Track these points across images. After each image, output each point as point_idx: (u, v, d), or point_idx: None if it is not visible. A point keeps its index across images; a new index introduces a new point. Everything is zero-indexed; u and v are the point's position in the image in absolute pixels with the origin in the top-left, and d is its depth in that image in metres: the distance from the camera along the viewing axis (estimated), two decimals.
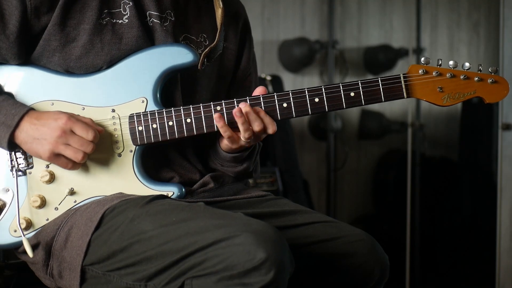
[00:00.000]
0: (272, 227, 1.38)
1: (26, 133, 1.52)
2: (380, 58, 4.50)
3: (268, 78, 3.59)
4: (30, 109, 1.55)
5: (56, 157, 1.53)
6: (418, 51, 4.38)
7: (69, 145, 1.51)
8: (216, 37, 1.66)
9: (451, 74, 1.58)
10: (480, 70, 1.58)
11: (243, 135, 1.58)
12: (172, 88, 1.65)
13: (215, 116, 1.57)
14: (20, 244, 1.61)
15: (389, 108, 4.72)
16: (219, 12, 1.69)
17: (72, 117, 1.52)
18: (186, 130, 1.59)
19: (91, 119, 1.56)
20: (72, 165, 1.55)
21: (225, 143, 1.64)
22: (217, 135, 1.66)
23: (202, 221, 1.41)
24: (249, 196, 1.73)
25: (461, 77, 1.58)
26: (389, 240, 4.14)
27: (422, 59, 1.58)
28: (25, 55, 1.61)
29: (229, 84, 1.80)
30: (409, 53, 4.34)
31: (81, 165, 1.57)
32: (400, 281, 4.04)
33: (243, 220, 1.40)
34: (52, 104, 1.60)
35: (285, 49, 4.30)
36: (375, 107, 4.65)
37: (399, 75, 1.58)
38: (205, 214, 1.45)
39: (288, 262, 1.36)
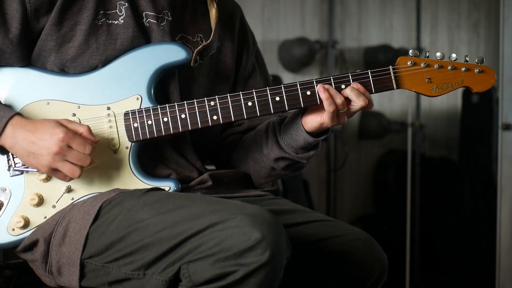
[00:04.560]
0: (267, 210, 1.39)
1: (20, 146, 1.51)
2: (380, 58, 4.50)
3: None
4: (15, 114, 1.53)
5: (53, 171, 1.53)
6: (418, 51, 4.37)
7: (66, 161, 1.51)
8: (211, 36, 1.68)
9: (438, 65, 1.61)
10: (467, 61, 1.62)
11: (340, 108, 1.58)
12: (170, 86, 1.66)
13: (319, 88, 1.57)
14: (18, 243, 1.61)
15: (389, 108, 4.72)
16: (213, 12, 1.71)
17: (69, 131, 1.51)
18: (181, 125, 1.59)
19: (89, 127, 1.54)
20: (70, 178, 1.55)
21: (317, 122, 1.61)
22: (299, 121, 1.64)
23: (199, 207, 1.42)
24: (247, 195, 1.73)
25: (449, 67, 1.61)
26: (389, 240, 4.16)
27: (410, 51, 1.62)
28: (27, 58, 1.62)
29: (233, 83, 1.81)
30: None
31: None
32: (400, 281, 4.04)
33: (238, 205, 1.41)
34: (48, 103, 1.60)
35: (285, 49, 4.30)
36: (375, 107, 4.64)
37: (389, 67, 1.61)
38: (201, 201, 1.46)
39: (284, 244, 1.36)
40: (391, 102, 4.75)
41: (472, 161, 4.47)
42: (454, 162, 4.71)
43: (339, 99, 1.58)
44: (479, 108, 4.43)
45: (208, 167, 1.76)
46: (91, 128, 1.58)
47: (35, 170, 1.58)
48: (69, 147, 1.50)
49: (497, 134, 3.43)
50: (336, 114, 1.59)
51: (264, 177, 1.79)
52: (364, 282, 1.61)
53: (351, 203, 4.71)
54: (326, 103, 1.58)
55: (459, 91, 4.66)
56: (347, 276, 1.60)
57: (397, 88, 1.61)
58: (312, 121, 1.63)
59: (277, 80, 3.69)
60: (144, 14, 1.65)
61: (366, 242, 1.62)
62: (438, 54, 1.61)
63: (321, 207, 4.44)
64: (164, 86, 1.66)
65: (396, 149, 4.71)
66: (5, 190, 1.61)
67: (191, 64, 1.64)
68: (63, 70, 1.62)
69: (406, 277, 4.01)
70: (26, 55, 1.61)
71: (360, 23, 4.67)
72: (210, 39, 1.68)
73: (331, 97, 1.58)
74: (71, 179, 1.54)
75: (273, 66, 4.20)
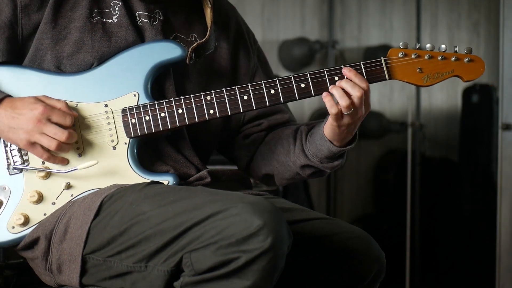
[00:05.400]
0: (268, 200, 1.40)
1: (2, 122, 1.55)
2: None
3: None
4: (6, 96, 1.57)
5: (32, 146, 1.55)
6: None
7: (44, 133, 1.53)
8: (207, 35, 1.69)
9: (429, 56, 1.63)
10: (456, 51, 1.65)
11: (342, 106, 1.58)
12: (165, 83, 1.68)
13: (324, 94, 1.59)
14: (18, 241, 1.62)
15: (389, 108, 4.72)
16: (208, 12, 1.72)
17: (47, 105, 1.55)
18: (178, 120, 1.62)
19: (66, 103, 1.58)
20: (48, 155, 1.57)
21: (329, 128, 1.62)
22: (321, 130, 1.65)
23: (200, 198, 1.43)
24: (247, 194, 1.73)
25: (439, 58, 1.63)
26: (389, 240, 4.16)
27: (401, 43, 1.64)
28: (13, 55, 1.63)
29: (233, 83, 1.81)
30: None
31: (59, 159, 1.58)
32: (400, 281, 4.04)
33: (239, 195, 1.44)
34: None
35: (285, 49, 4.30)
36: (375, 107, 4.65)
37: (380, 58, 1.63)
38: (202, 193, 1.48)
39: (285, 231, 1.37)
40: (391, 102, 4.75)
41: (472, 161, 4.47)
42: (454, 162, 4.70)
43: (344, 102, 1.57)
44: (479, 108, 4.43)
45: (209, 167, 1.77)
46: (90, 125, 1.61)
47: (34, 168, 1.59)
48: (49, 120, 1.53)
49: (497, 134, 3.43)
50: (341, 115, 1.60)
51: (287, 179, 1.80)
52: (361, 280, 1.61)
53: (351, 203, 4.71)
54: (328, 106, 1.59)
55: (459, 91, 4.67)
56: (344, 273, 1.60)
57: (389, 78, 1.64)
58: (326, 129, 1.65)
59: None
60: (137, 13, 1.68)
61: (363, 240, 1.63)
62: (428, 45, 1.64)
63: (321, 207, 4.44)
64: (159, 83, 1.67)
65: (396, 149, 4.71)
66: (5, 188, 1.62)
67: (187, 62, 1.65)
68: (59, 69, 1.63)
69: (406, 277, 4.01)
70: (7, 50, 1.62)
71: (360, 23, 4.67)
72: (205, 37, 1.69)
73: (332, 100, 1.59)
74: (49, 156, 1.57)
75: (273, 66, 4.16)
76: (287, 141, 1.76)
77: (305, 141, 1.72)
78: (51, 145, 1.54)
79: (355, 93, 1.58)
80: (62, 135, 1.54)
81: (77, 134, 1.59)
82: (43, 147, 1.56)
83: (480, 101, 4.43)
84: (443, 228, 4.54)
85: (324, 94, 1.59)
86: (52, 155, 1.58)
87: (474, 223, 4.40)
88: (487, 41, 4.97)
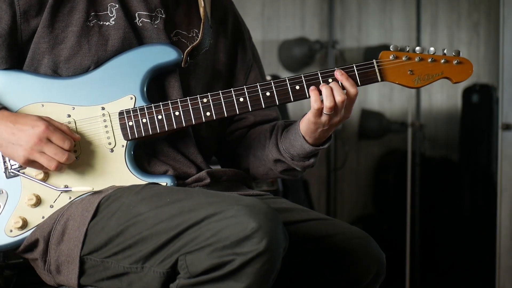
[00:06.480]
0: (264, 202, 1.40)
1: (1, 136, 1.54)
2: None
3: (268, 78, 3.60)
4: (2, 108, 1.57)
5: (31, 163, 1.55)
6: None
7: (44, 153, 1.53)
8: (199, 38, 1.70)
9: (419, 58, 1.67)
10: (445, 54, 1.69)
11: (325, 107, 1.60)
12: (171, 80, 1.68)
13: (311, 88, 1.62)
14: (17, 244, 1.62)
15: (389, 108, 4.72)
16: (201, 10, 1.72)
17: (50, 125, 1.54)
18: (175, 122, 1.63)
19: (68, 127, 1.58)
20: (44, 175, 1.58)
21: (304, 121, 1.65)
22: (297, 126, 1.67)
23: (196, 200, 1.44)
24: (247, 194, 1.74)
25: (429, 60, 1.67)
26: (389, 240, 4.16)
27: (391, 46, 1.67)
28: (14, 61, 1.63)
29: (231, 77, 1.82)
30: None
31: (60, 170, 1.58)
32: (400, 281, 4.04)
33: (235, 197, 1.44)
34: (42, 105, 1.62)
35: (285, 49, 4.30)
36: (375, 107, 4.64)
37: (372, 60, 1.67)
38: (198, 194, 1.48)
39: (281, 234, 1.37)
40: (391, 102, 4.75)
41: (472, 161, 4.47)
42: (454, 162, 4.71)
43: (329, 103, 1.60)
44: (479, 108, 4.43)
45: (213, 167, 1.77)
46: (87, 128, 1.61)
47: (30, 177, 1.59)
48: (49, 140, 1.53)
49: (497, 134, 3.44)
50: (321, 113, 1.62)
51: (262, 174, 1.81)
52: (361, 281, 1.61)
53: (351, 203, 4.71)
54: (312, 99, 1.61)
55: (459, 91, 4.67)
56: (344, 274, 1.60)
57: (382, 80, 1.67)
58: (302, 124, 1.66)
59: None
60: (136, 14, 1.67)
61: (363, 241, 1.62)
62: (418, 48, 1.67)
63: (321, 207, 4.44)
64: (164, 80, 1.68)
65: (396, 149, 4.71)
66: (2, 192, 1.61)
67: (182, 65, 1.66)
68: (56, 73, 1.63)
69: (406, 277, 4.01)
70: (11, 57, 1.62)
71: (360, 23, 4.67)
72: (197, 41, 1.70)
73: (318, 95, 1.61)
74: (44, 177, 1.58)
75: (273, 66, 4.20)
76: (264, 135, 1.78)
77: (280, 135, 1.74)
78: (51, 165, 1.54)
79: (338, 98, 1.61)
80: (62, 156, 1.53)
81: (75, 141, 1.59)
82: (40, 165, 1.56)
83: (480, 101, 4.43)
84: (443, 228, 4.54)
85: (312, 87, 1.62)
86: (47, 173, 1.59)
87: (474, 223, 4.40)
88: (487, 41, 4.97)
